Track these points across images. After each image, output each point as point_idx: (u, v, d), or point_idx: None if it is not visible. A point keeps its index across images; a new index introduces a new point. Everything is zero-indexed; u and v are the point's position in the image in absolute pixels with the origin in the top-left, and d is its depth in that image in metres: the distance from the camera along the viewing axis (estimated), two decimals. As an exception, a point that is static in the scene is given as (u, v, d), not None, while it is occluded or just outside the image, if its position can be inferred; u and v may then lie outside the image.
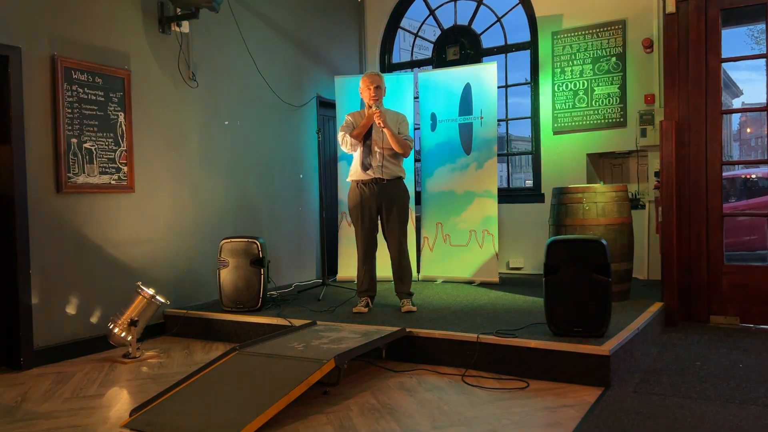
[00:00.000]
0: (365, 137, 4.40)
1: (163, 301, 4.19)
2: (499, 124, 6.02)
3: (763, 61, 4.78)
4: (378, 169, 4.36)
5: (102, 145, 4.31)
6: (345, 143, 4.42)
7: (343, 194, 6.02)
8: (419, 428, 2.71)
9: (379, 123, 4.29)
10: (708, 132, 4.60)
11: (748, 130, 32.54)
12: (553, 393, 3.13)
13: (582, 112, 5.99)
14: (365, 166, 4.38)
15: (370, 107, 4.36)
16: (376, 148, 4.38)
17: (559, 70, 6.08)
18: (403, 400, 3.08)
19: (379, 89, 4.38)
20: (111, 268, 4.39)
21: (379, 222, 4.48)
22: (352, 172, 4.48)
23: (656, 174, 5.29)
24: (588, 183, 5.89)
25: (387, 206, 4.40)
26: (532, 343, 3.39)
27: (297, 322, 4.12)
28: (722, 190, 4.60)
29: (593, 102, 5.93)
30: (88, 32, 4.28)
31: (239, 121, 5.48)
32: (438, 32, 6.85)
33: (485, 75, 5.76)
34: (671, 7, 4.62)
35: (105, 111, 4.34)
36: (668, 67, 4.69)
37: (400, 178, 4.48)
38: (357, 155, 4.44)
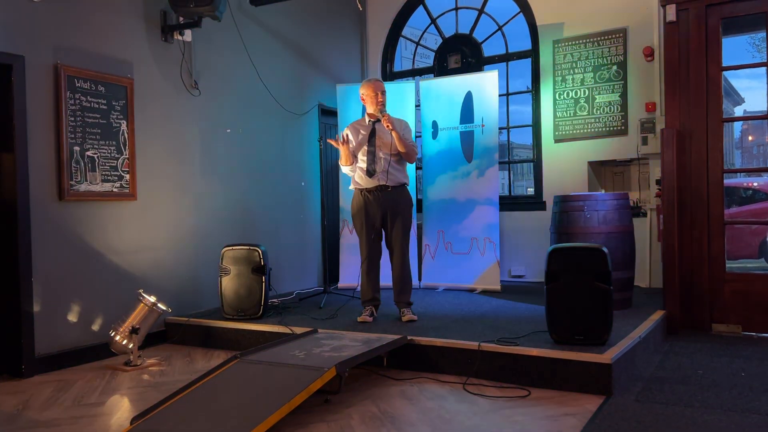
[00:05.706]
0: (368, 143, 4.39)
1: (164, 308, 4.19)
2: (500, 132, 6.03)
3: (764, 69, 4.78)
4: (383, 175, 4.33)
5: (104, 153, 4.33)
6: (344, 168, 4.51)
7: (345, 202, 6.03)
8: (420, 437, 2.70)
9: (387, 126, 4.27)
10: (709, 140, 4.60)
11: (750, 138, 32.53)
12: (555, 401, 3.12)
13: (583, 120, 6.00)
14: (370, 173, 4.35)
15: (376, 113, 4.37)
16: (380, 154, 4.35)
17: (560, 78, 6.10)
18: (405, 409, 3.07)
19: (384, 94, 4.42)
20: (112, 276, 4.40)
21: (383, 229, 4.47)
22: (356, 180, 4.44)
23: (657, 182, 5.29)
24: (589, 191, 5.90)
25: (392, 214, 4.38)
26: (534, 352, 3.38)
27: (298, 330, 4.11)
28: (723, 197, 4.60)
29: (594, 110, 5.94)
30: (91, 41, 4.30)
31: (241, 129, 5.49)
32: (439, 41, 6.88)
33: (486, 83, 5.78)
34: (672, 16, 4.64)
35: (107, 119, 4.35)
36: (669, 76, 4.70)
37: (404, 185, 4.46)
38: (361, 163, 4.41)
